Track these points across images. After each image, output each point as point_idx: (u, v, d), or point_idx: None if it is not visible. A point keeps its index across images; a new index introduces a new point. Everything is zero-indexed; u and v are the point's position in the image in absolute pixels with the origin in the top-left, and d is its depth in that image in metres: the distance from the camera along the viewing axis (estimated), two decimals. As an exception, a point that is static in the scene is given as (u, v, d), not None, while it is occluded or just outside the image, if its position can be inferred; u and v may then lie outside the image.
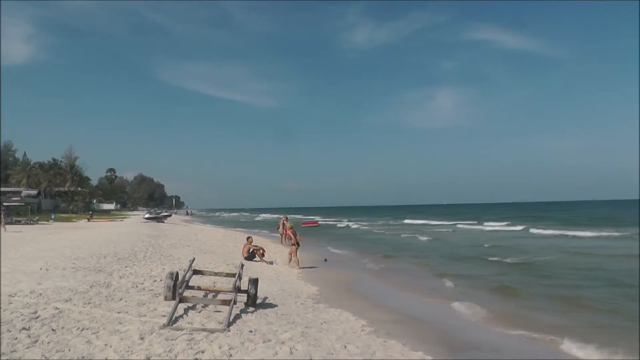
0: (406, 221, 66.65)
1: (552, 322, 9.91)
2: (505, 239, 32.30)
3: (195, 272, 10.08)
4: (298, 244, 17.99)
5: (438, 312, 11.00)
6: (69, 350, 5.40)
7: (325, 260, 20.26)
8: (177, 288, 8.35)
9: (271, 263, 17.65)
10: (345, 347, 7.02)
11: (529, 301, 12.13)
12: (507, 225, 50.70)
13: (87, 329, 6.27)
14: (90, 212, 55.56)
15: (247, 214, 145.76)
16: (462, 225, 53.28)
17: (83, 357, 5.23)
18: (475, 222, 56.72)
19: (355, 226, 58.79)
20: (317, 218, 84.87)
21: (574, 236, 33.97)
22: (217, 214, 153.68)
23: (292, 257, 17.56)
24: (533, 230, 40.68)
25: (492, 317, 10.47)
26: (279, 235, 28.29)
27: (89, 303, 7.68)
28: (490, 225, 50.39)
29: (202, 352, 5.76)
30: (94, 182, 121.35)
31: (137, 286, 9.67)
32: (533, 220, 57.10)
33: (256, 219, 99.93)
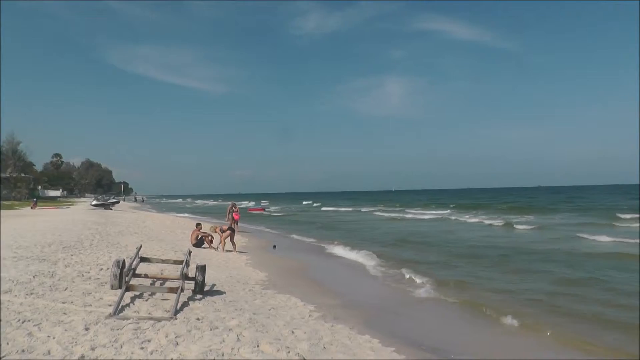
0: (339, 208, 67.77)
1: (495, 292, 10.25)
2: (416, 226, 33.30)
3: (143, 259, 9.84)
4: (233, 230, 17.92)
5: (385, 295, 11.16)
6: (7, 343, 5.14)
7: (274, 246, 20.17)
8: (123, 276, 8.09)
9: (220, 250, 17.43)
10: (293, 332, 7.00)
11: (474, 287, 12.47)
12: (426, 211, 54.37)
13: (29, 320, 5.98)
14: (35, 200, 53.24)
15: (197, 200, 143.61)
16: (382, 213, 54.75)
17: (23, 350, 4.99)
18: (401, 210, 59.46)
19: (306, 212, 58.97)
20: (265, 204, 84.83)
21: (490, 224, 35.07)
22: (167, 200, 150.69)
23: (225, 241, 17.21)
24: (453, 217, 42.98)
25: (435, 295, 10.74)
26: (227, 221, 28.04)
27: (32, 294, 7.34)
28: (412, 213, 52.20)
29: (148, 341, 5.60)
30: (39, 167, 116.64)
31: (82, 275, 9.32)
32: (453, 207, 60.66)
33: (206, 205, 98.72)
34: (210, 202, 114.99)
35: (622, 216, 36.33)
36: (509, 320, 8.83)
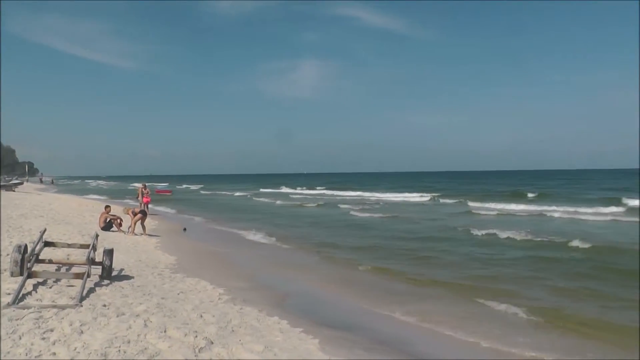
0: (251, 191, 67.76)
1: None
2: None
3: (47, 244, 9.24)
4: (145, 213, 17.32)
5: (294, 278, 11.24)
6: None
7: (185, 229, 19.67)
8: (25, 262, 7.52)
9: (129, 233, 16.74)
10: (201, 316, 6.87)
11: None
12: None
13: None
14: None
15: (108, 181, 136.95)
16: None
17: None
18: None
19: (219, 193, 58.04)
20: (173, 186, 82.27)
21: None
22: (76, 181, 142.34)
23: (135, 224, 16.52)
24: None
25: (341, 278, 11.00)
26: (137, 203, 26.97)
27: None
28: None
29: (51, 331, 5.27)
30: None
31: (-21, 261, 8.61)
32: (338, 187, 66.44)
33: (116, 186, 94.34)
34: (121, 184, 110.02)
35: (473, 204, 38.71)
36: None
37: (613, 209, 28.84)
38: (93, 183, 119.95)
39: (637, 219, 21.97)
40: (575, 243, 14.77)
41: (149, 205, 24.79)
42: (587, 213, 26.43)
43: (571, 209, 28.21)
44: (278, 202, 42.80)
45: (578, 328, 7.63)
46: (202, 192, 68.58)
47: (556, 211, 27.57)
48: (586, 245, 14.56)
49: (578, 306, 8.84)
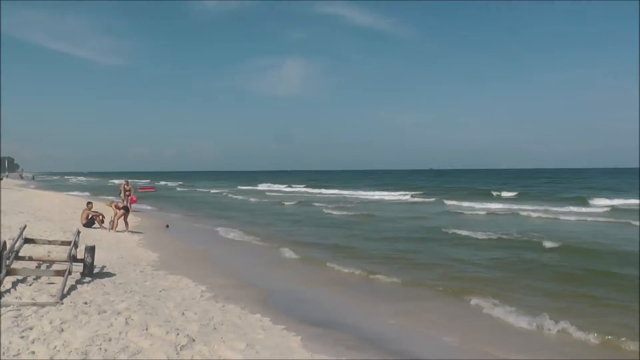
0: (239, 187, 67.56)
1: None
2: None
3: (27, 240, 9.10)
4: (127, 209, 17.07)
5: (275, 276, 11.19)
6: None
7: (167, 226, 19.50)
8: (4, 259, 7.38)
9: (112, 230, 16.54)
10: (183, 314, 6.82)
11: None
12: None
13: None
14: None
15: (88, 178, 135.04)
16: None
17: None
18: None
19: (213, 191, 57.56)
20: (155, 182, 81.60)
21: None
22: (59, 177, 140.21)
23: (117, 221, 16.32)
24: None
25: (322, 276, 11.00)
26: (120, 200, 26.65)
27: None
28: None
29: (30, 329, 5.18)
30: None
31: (-43, 258, 8.44)
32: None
33: (100, 183, 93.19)
34: (102, 180, 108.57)
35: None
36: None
37: (582, 209, 29.66)
38: (73, 179, 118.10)
39: (601, 219, 22.52)
40: (548, 244, 14.79)
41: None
42: (558, 212, 26.92)
43: (541, 208, 28.85)
44: (252, 199, 42.48)
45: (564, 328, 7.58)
46: (179, 189, 68.06)
47: (527, 210, 27.99)
48: (556, 245, 14.66)
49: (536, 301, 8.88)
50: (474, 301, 8.86)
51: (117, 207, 16.69)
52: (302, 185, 66.51)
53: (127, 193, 23.78)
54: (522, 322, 7.74)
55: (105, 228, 16.48)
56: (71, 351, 4.73)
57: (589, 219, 23.96)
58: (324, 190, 56.07)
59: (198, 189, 63.96)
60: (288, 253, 13.64)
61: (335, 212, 28.31)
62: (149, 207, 30.13)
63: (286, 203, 37.01)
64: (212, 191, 58.52)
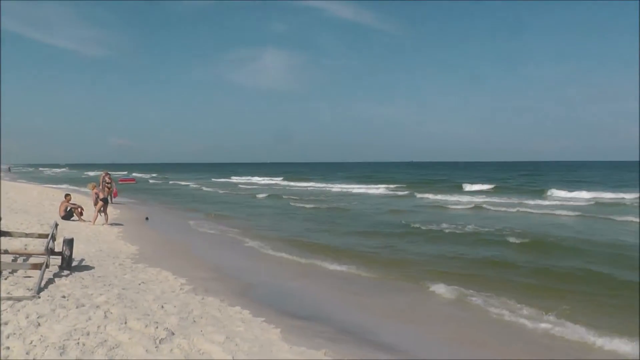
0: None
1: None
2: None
3: (3, 233, 8.96)
4: (107, 201, 16.74)
5: (254, 269, 11.15)
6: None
7: (147, 218, 19.28)
8: (-21, 253, 7.29)
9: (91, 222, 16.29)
10: (162, 307, 6.76)
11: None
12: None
13: None
14: None
15: (64, 169, 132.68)
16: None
17: None
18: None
19: (183, 183, 56.92)
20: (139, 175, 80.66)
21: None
22: (37, 169, 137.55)
23: (97, 213, 16.09)
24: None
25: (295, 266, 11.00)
26: (101, 190, 26.19)
27: None
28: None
29: (5, 324, 5.08)
30: None
31: None
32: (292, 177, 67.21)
33: (79, 175, 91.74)
34: (78, 172, 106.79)
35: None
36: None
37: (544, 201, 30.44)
38: (48, 171, 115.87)
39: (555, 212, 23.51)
40: (512, 239, 14.78)
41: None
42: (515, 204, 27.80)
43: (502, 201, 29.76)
44: (221, 191, 42.24)
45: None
46: (152, 181, 67.16)
47: (491, 203, 28.45)
48: (521, 240, 14.68)
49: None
50: (443, 292, 9.02)
51: (97, 195, 16.30)
52: (280, 178, 65.95)
53: (107, 185, 23.34)
54: (495, 312, 7.93)
55: (84, 220, 16.24)
56: (48, 346, 4.65)
57: (541, 211, 24.36)
58: (300, 183, 55.69)
59: (171, 181, 63.02)
60: (264, 247, 13.52)
61: (302, 205, 27.91)
62: (128, 200, 29.76)
63: (259, 195, 36.61)
64: (183, 183, 57.64)
